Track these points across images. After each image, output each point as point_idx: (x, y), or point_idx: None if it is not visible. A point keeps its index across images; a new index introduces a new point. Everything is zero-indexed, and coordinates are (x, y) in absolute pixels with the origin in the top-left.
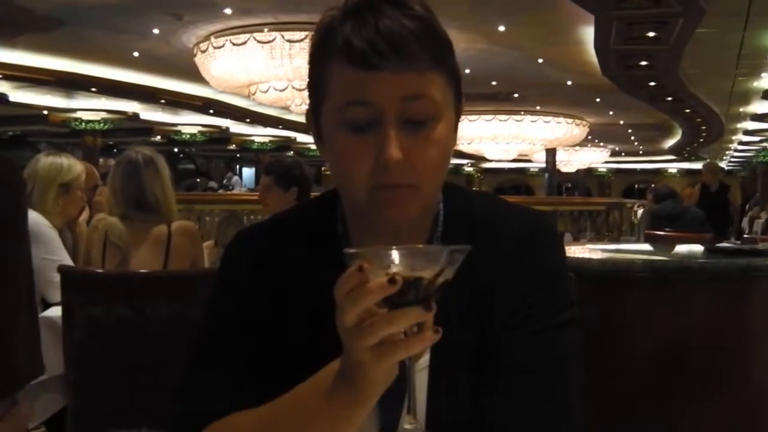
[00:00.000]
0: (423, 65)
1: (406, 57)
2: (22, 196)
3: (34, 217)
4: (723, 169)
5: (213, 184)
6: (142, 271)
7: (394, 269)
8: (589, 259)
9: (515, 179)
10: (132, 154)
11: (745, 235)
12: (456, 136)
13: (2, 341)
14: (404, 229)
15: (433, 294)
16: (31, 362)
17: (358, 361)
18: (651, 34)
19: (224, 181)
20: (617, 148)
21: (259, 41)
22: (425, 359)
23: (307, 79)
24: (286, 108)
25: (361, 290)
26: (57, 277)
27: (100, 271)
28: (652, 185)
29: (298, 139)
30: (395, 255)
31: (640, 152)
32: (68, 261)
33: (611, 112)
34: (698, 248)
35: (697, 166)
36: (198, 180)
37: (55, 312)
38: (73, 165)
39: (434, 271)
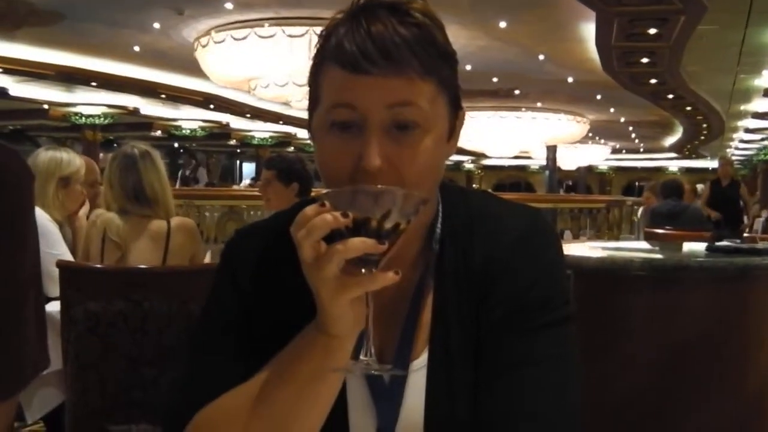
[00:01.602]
0: (412, 72)
1: (394, 63)
2: (30, 188)
3: None
4: (733, 163)
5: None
6: (141, 266)
7: (348, 209)
8: (588, 258)
9: (516, 176)
10: (128, 148)
11: (745, 234)
12: (452, 147)
13: (10, 335)
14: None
15: (385, 235)
16: (37, 357)
17: (322, 298)
18: (652, 31)
19: (188, 173)
20: (618, 146)
21: (259, 36)
22: (423, 358)
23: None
24: (287, 104)
25: (316, 221)
26: (57, 271)
27: (98, 266)
28: (652, 182)
29: (299, 135)
30: (349, 195)
31: (641, 150)
32: (68, 255)
33: (612, 109)
34: (698, 246)
35: (698, 164)
36: (188, 173)
37: (55, 306)
38: (72, 159)
39: (382, 212)
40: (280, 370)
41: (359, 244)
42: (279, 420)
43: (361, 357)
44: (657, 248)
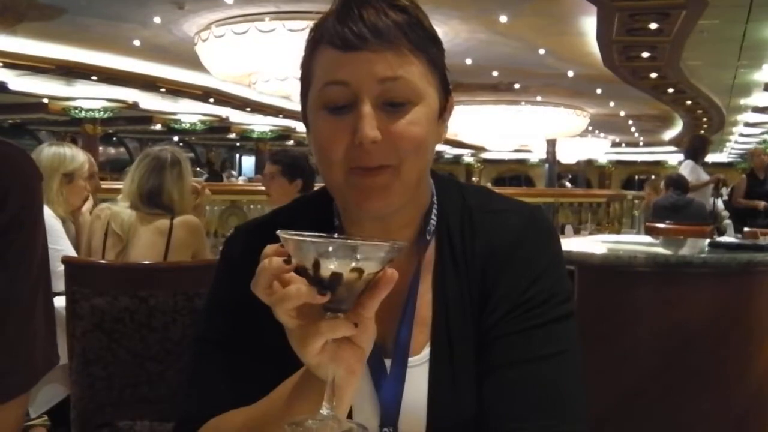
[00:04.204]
0: (402, 48)
1: (384, 40)
2: (39, 187)
3: None
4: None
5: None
6: (146, 261)
7: (295, 254)
8: (592, 254)
9: (515, 170)
10: (161, 151)
11: (746, 229)
12: (442, 131)
13: (20, 332)
14: (393, 222)
15: (327, 284)
16: (47, 353)
17: (293, 347)
18: (653, 25)
19: None
20: (618, 139)
21: (260, 31)
22: (426, 352)
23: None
24: (287, 97)
25: (263, 263)
26: (61, 267)
27: (103, 261)
28: (652, 176)
29: (298, 129)
30: (298, 240)
31: (641, 143)
32: (71, 251)
33: (612, 103)
34: (701, 242)
35: None
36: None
37: (59, 302)
38: (76, 155)
39: (312, 260)
40: (279, 413)
41: (293, 292)
42: None
43: (323, 410)
44: (660, 243)
